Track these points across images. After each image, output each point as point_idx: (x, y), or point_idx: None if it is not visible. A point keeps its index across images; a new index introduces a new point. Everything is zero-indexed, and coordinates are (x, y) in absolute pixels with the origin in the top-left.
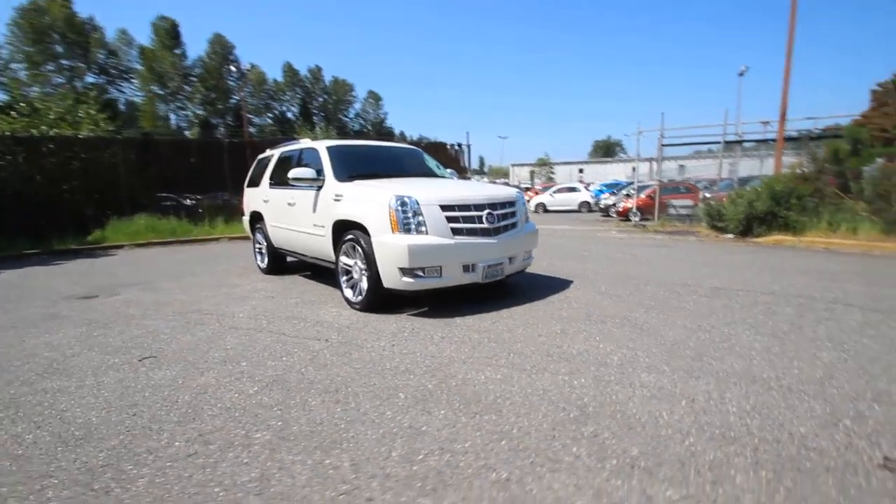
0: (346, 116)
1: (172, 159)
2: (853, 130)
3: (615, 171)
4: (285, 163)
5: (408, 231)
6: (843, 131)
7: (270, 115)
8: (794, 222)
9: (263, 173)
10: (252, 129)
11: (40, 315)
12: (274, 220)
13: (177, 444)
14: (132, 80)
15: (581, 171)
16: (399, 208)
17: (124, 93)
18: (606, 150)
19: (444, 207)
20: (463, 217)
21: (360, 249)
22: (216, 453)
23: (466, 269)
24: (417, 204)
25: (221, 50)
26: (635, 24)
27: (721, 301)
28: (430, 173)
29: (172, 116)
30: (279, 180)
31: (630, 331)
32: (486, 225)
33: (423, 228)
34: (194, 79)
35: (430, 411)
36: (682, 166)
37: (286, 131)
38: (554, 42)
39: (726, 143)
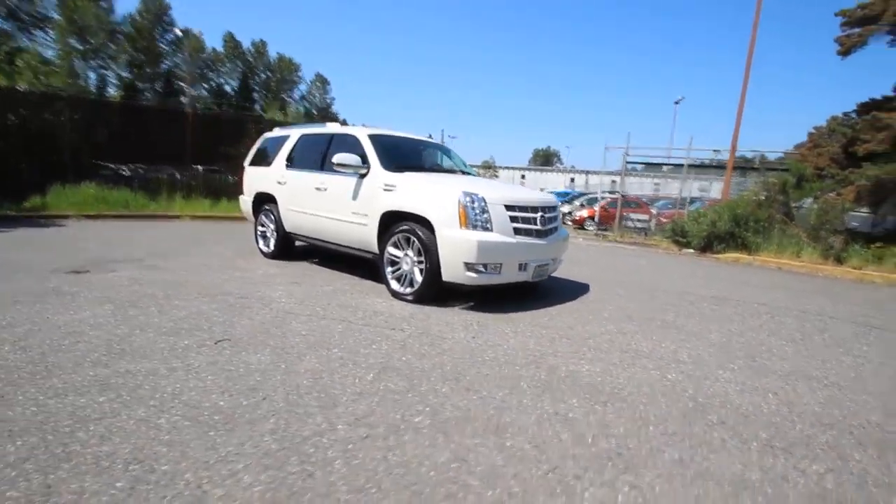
0: (290, 97)
1: (124, 124)
2: (798, 167)
3: (554, 180)
4: (311, 145)
5: (475, 227)
6: (789, 166)
7: (206, 86)
8: (750, 242)
9: (274, 153)
10: (183, 99)
11: (40, 290)
12: (291, 203)
13: (340, 427)
14: (48, 30)
15: (523, 177)
16: (469, 204)
17: (36, 42)
18: (546, 159)
19: (508, 207)
20: (521, 217)
21: (415, 241)
22: (390, 436)
23: (521, 267)
24: (484, 202)
25: (155, 9)
26: (583, 34)
27: (729, 309)
28: (465, 171)
29: (92, 75)
30: (302, 163)
31: (676, 333)
32: (539, 227)
33: (489, 226)
34: (121, 37)
35: (563, 400)
36: (613, 181)
37: (222, 105)
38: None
39: (675, 165)
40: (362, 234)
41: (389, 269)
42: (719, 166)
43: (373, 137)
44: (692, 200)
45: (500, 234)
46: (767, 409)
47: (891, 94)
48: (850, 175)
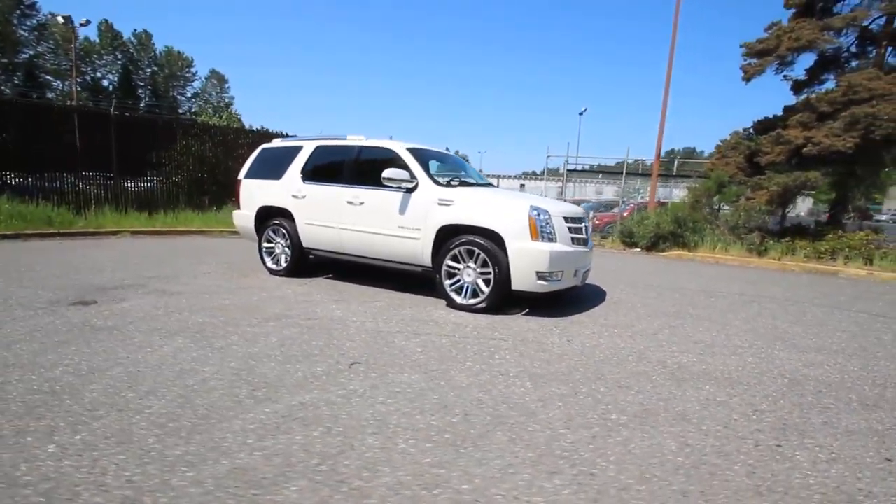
0: (181, 95)
1: (30, 127)
2: (719, 175)
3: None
4: (333, 158)
5: (544, 239)
6: (710, 174)
7: (80, 80)
8: (689, 241)
9: (282, 165)
10: (51, 95)
11: (67, 326)
12: (313, 217)
13: (564, 432)
14: None
15: None
16: (537, 217)
17: None
18: None
19: (565, 219)
20: (573, 227)
21: (480, 254)
22: (610, 434)
23: (574, 274)
24: (549, 214)
25: None
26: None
27: (722, 301)
28: (485, 182)
29: None
30: (326, 176)
31: (710, 324)
32: (584, 236)
33: (554, 237)
34: None
35: (701, 387)
36: (522, 185)
37: (101, 102)
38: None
39: (605, 171)
40: (412, 248)
41: (448, 282)
42: (644, 174)
43: (412, 151)
44: (617, 204)
45: (562, 244)
46: (848, 380)
47: (780, 113)
48: (763, 181)
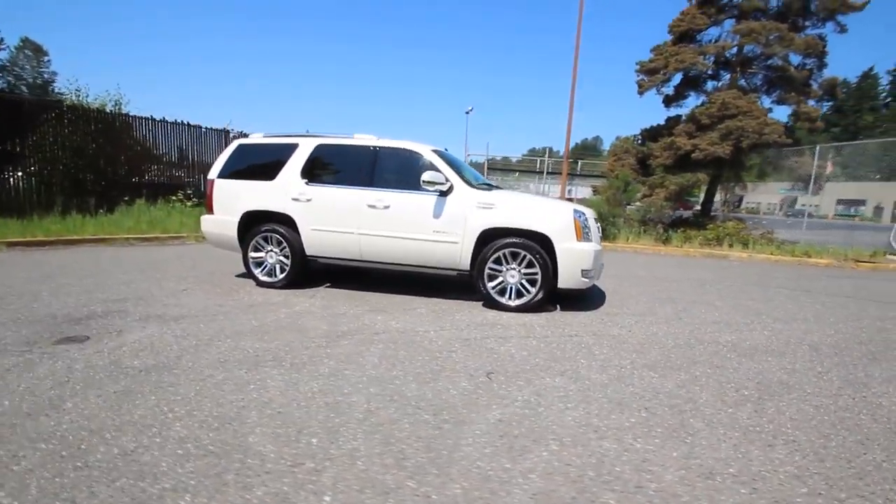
0: None
1: None
2: (625, 175)
3: None
4: (345, 159)
5: (586, 239)
6: (612, 174)
7: None
8: (610, 233)
9: (274, 165)
10: None
11: (85, 368)
12: (323, 223)
13: (739, 414)
14: None
15: None
16: (580, 219)
17: None
18: None
19: (595, 220)
20: (595, 228)
21: (525, 255)
22: (763, 404)
23: (600, 269)
24: (586, 216)
25: None
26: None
27: (687, 285)
28: (490, 183)
29: None
30: (336, 178)
31: (703, 306)
32: (601, 235)
33: (590, 237)
34: None
35: (764, 360)
36: None
37: None
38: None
39: (521, 170)
40: (449, 251)
41: (491, 284)
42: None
43: (442, 154)
44: None
45: (596, 244)
46: (832, 340)
47: (663, 122)
48: (664, 181)
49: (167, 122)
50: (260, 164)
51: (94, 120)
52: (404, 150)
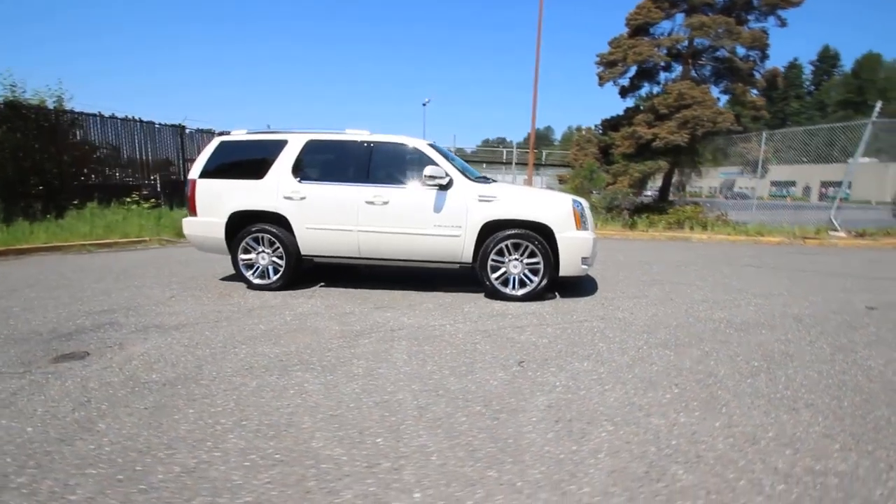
0: None
1: None
2: (590, 164)
3: None
4: (338, 155)
5: (584, 228)
6: (577, 163)
7: None
8: None
9: (265, 162)
10: None
11: (100, 388)
12: (319, 221)
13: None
14: None
15: None
16: (579, 209)
17: None
18: None
19: (588, 209)
20: (591, 217)
21: (528, 245)
22: (776, 372)
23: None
24: (583, 206)
25: None
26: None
27: (664, 267)
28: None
29: None
30: (330, 174)
31: (690, 287)
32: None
33: (588, 226)
34: None
35: (787, 334)
36: None
37: None
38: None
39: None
40: (451, 245)
41: (494, 275)
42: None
43: (436, 148)
44: None
45: (592, 232)
46: (810, 310)
47: (622, 113)
48: (627, 168)
49: (117, 118)
50: (246, 161)
51: (33, 118)
52: (400, 144)
